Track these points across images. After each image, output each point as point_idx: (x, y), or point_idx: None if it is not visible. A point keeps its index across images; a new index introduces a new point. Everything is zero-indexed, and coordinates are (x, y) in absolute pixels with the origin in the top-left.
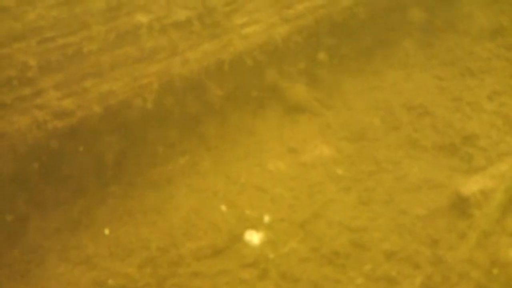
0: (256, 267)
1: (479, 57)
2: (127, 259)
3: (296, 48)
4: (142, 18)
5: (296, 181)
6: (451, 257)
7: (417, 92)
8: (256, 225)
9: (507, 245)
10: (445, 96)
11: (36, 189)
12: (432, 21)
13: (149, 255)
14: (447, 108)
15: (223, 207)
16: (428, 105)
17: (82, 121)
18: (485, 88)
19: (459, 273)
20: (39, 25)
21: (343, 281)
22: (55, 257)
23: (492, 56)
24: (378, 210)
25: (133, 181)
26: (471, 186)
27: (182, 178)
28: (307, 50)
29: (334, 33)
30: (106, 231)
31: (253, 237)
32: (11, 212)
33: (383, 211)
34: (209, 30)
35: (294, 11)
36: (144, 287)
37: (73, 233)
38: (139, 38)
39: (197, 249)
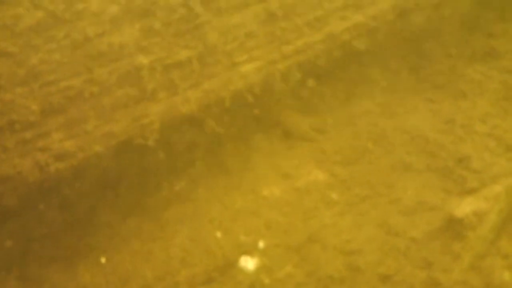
0: None
1: (471, 79)
2: None
3: (293, 80)
4: (143, 60)
5: (290, 207)
6: (445, 280)
7: (410, 116)
8: (250, 250)
9: (501, 267)
10: (437, 119)
11: (36, 221)
12: (422, 44)
13: (145, 284)
14: (440, 130)
15: (218, 234)
16: (421, 128)
17: (83, 162)
18: (477, 110)
19: None
20: (41, 69)
21: None
22: (51, 287)
23: (484, 78)
24: (373, 234)
25: (129, 210)
26: (465, 208)
27: (178, 206)
28: (303, 81)
29: (331, 65)
30: (103, 260)
31: (248, 263)
32: (10, 239)
33: (378, 234)
34: (209, 69)
35: (294, 47)
36: None
37: (69, 262)
38: (140, 79)
39: (192, 276)
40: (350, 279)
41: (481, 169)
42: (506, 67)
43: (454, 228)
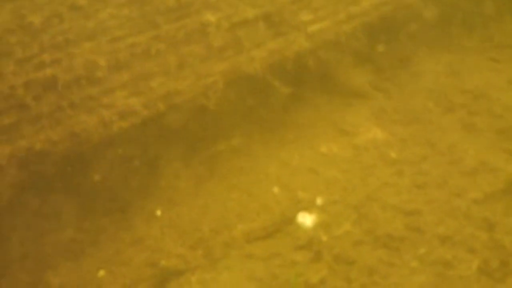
0: (309, 249)
1: None
2: (179, 240)
3: (357, 41)
4: (210, 17)
5: (349, 164)
6: (509, 242)
7: (472, 75)
8: (309, 207)
9: None
10: (501, 79)
11: (92, 173)
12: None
13: (202, 237)
14: (503, 90)
15: (276, 189)
16: (483, 87)
17: (146, 119)
18: None
19: None
20: (109, 24)
21: (397, 264)
22: (108, 237)
23: None
24: (433, 194)
25: (185, 164)
26: None
27: (234, 160)
28: (367, 42)
29: (394, 28)
30: (158, 213)
31: (306, 219)
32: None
33: (438, 195)
34: (275, 28)
35: (360, 7)
36: (197, 268)
37: (124, 215)
38: (206, 36)
39: (249, 231)
40: (409, 239)
41: None
42: None
43: None
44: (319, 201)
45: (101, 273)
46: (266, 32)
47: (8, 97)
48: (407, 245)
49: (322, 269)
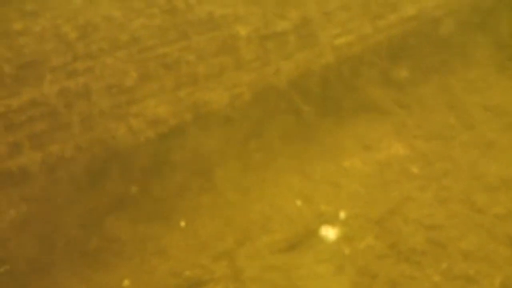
0: (332, 262)
1: None
2: (203, 251)
3: (381, 56)
4: (241, 29)
5: (371, 179)
6: None
7: (493, 92)
8: (331, 220)
9: None
10: None
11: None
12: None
13: (225, 248)
14: None
15: (299, 202)
16: (505, 105)
17: (173, 129)
18: None
19: None
20: (141, 34)
21: (419, 278)
22: (132, 247)
23: None
24: (455, 209)
25: (209, 175)
26: None
27: (258, 173)
28: (391, 58)
29: (418, 44)
30: (182, 223)
31: (329, 233)
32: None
33: (460, 210)
34: (303, 40)
35: (386, 21)
36: (221, 279)
37: (149, 225)
38: (236, 48)
39: (272, 242)
40: (432, 253)
41: None
42: None
43: None
44: (341, 214)
45: (126, 282)
46: (294, 45)
47: (41, 104)
48: (429, 259)
49: (345, 282)
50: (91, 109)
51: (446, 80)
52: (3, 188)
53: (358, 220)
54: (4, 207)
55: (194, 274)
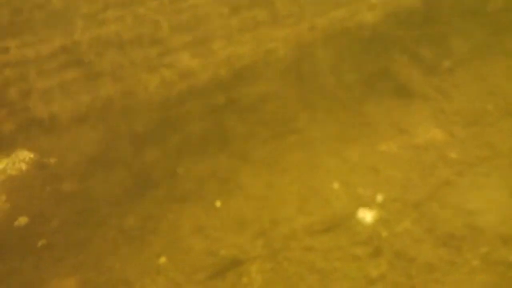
0: (369, 244)
1: None
2: (239, 231)
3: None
4: None
5: (408, 163)
6: None
7: None
8: (369, 203)
9: None
10: None
11: (151, 156)
12: None
13: (262, 228)
14: None
15: (336, 185)
16: None
17: (205, 82)
18: None
19: None
20: None
21: (458, 262)
22: (168, 225)
23: None
24: (493, 195)
25: (244, 156)
26: None
27: (294, 155)
28: (428, 37)
29: (457, 23)
30: (218, 203)
31: (366, 215)
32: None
33: (499, 196)
34: None
35: None
36: (256, 258)
37: (184, 204)
38: (271, 2)
39: (309, 224)
40: (470, 238)
41: None
42: None
43: None
44: (379, 198)
45: (162, 259)
46: (330, 1)
47: (72, 52)
48: (468, 244)
49: (382, 265)
50: (122, 59)
51: (485, 66)
52: (35, 136)
53: (396, 204)
54: (40, 181)
55: (230, 253)
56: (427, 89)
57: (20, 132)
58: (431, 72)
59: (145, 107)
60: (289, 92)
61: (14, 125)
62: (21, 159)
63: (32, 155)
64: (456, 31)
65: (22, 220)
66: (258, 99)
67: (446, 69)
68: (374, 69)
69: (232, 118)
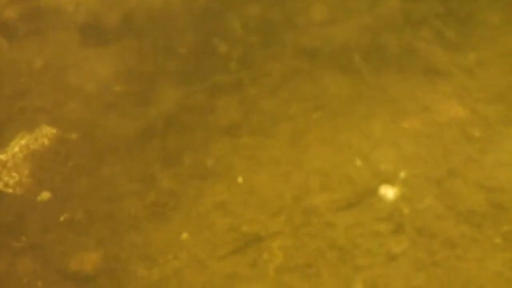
0: (391, 221)
1: None
2: (261, 207)
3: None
4: None
5: (431, 140)
6: None
7: None
8: (391, 180)
9: None
10: None
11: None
12: None
13: (283, 204)
14: None
15: (358, 161)
16: None
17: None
18: None
19: None
20: None
21: (480, 239)
22: (189, 201)
23: None
24: None
25: (265, 133)
26: None
27: (316, 132)
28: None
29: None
30: (240, 180)
31: (388, 192)
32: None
33: None
34: None
35: None
36: (277, 234)
37: (206, 181)
38: None
39: (331, 200)
40: (492, 215)
41: None
42: None
43: None
44: (401, 174)
45: (184, 235)
46: None
47: None
48: (490, 221)
49: (403, 241)
50: None
51: (510, 44)
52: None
53: (418, 181)
54: (62, 157)
55: (251, 229)
56: (451, 67)
57: (43, 108)
58: (455, 49)
59: None
60: (313, 68)
61: (39, 100)
62: (44, 135)
63: (54, 131)
64: (482, 8)
65: (45, 195)
66: (284, 75)
67: (470, 46)
68: (398, 46)
69: (256, 94)
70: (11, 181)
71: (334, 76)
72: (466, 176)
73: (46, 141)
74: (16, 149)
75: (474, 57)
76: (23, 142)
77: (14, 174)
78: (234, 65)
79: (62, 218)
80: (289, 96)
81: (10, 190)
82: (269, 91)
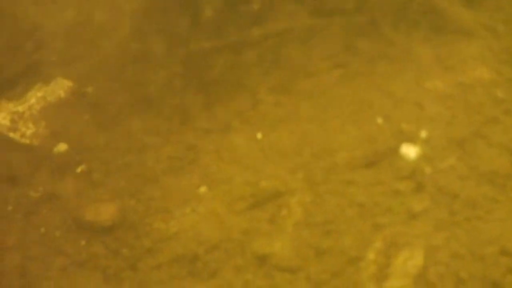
0: (412, 180)
1: None
2: (279, 163)
3: None
4: None
5: (454, 100)
6: None
7: None
8: (412, 139)
9: None
10: None
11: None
12: None
13: (302, 161)
14: None
15: (379, 120)
16: None
17: None
18: None
19: None
20: None
21: (502, 200)
22: (208, 156)
23: None
24: None
25: (285, 90)
26: None
27: (337, 90)
28: None
29: None
30: (259, 135)
31: (410, 151)
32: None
33: None
34: None
35: None
36: (296, 190)
37: (225, 136)
38: None
39: (351, 158)
40: None
41: None
42: None
43: None
44: (423, 134)
45: (202, 189)
46: None
47: None
48: None
49: (424, 200)
50: None
51: None
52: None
53: (440, 141)
54: (78, 109)
55: (270, 184)
56: (475, 26)
57: (59, 62)
58: (479, 8)
59: None
60: (333, 27)
61: (54, 55)
62: (60, 87)
63: (71, 84)
64: None
65: (62, 147)
66: (303, 32)
67: (495, 5)
68: (422, 5)
69: (276, 50)
70: (28, 132)
71: (356, 35)
72: (489, 137)
73: (62, 93)
74: (33, 100)
75: (499, 17)
76: (39, 94)
77: (30, 125)
78: (258, 21)
79: (79, 170)
80: (309, 53)
81: (27, 141)
82: (290, 47)
